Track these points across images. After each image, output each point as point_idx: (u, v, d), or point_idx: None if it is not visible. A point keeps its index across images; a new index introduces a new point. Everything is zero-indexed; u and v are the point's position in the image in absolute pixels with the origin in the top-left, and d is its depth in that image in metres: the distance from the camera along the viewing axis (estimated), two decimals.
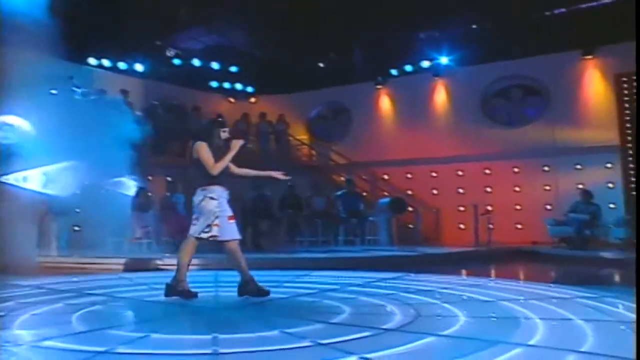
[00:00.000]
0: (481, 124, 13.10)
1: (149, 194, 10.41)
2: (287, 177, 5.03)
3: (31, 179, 7.83)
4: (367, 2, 11.80)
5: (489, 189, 12.73)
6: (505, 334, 3.12)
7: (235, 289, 4.64)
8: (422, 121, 13.71)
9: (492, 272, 7.73)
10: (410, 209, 12.23)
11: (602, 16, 10.87)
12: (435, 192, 13.32)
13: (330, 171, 14.45)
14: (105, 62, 12.72)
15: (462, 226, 12.40)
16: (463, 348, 2.82)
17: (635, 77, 10.65)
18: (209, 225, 4.46)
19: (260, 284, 4.61)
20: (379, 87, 14.44)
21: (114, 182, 9.58)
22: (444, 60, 13.34)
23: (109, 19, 11.10)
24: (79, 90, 10.33)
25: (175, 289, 4.52)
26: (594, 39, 11.62)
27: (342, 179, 13.53)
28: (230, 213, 4.60)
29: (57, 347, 2.92)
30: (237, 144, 4.61)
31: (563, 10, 11.69)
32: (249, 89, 15.62)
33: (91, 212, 8.83)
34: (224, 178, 4.62)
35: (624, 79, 11.56)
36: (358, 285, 5.36)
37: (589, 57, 12.08)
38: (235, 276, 4.75)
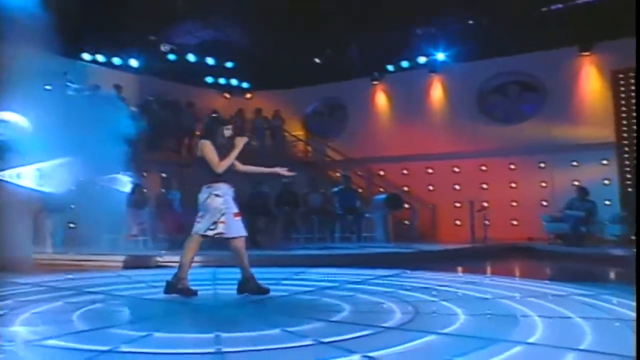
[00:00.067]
0: (477, 120, 13.09)
1: (144, 190, 10.37)
2: (293, 173, 5.02)
3: (25, 176, 7.78)
4: None
5: (485, 186, 12.74)
6: (504, 331, 3.14)
7: (234, 286, 4.64)
8: (418, 117, 13.69)
9: (489, 269, 7.76)
10: (406, 205, 12.27)
11: (599, 12, 10.85)
12: (431, 188, 13.34)
13: (326, 167, 14.45)
14: (100, 58, 12.58)
15: (458, 222, 12.45)
16: (464, 346, 2.83)
17: (634, 74, 10.66)
18: (215, 223, 4.44)
19: (259, 282, 4.61)
20: (375, 83, 14.41)
21: (109, 178, 9.54)
22: (440, 56, 13.31)
23: (103, 14, 10.99)
24: (73, 86, 10.27)
25: (175, 286, 4.50)
26: (591, 35, 11.62)
27: (338, 175, 13.53)
28: (235, 210, 4.60)
29: (60, 346, 2.91)
30: (241, 142, 4.62)
31: (560, 6, 11.66)
32: (245, 85, 15.56)
33: (86, 208, 8.81)
34: (229, 175, 4.62)
35: (621, 75, 11.57)
36: (356, 282, 5.38)
37: (586, 53, 12.09)
38: (233, 273, 4.75)
